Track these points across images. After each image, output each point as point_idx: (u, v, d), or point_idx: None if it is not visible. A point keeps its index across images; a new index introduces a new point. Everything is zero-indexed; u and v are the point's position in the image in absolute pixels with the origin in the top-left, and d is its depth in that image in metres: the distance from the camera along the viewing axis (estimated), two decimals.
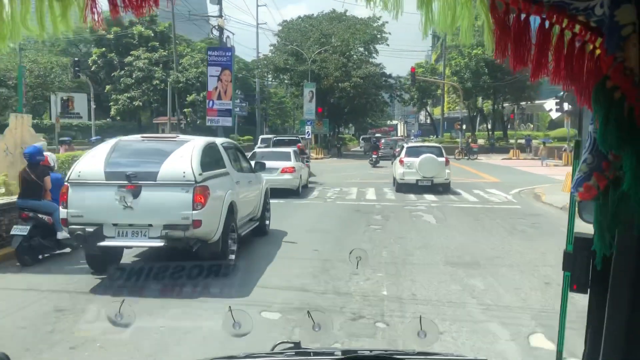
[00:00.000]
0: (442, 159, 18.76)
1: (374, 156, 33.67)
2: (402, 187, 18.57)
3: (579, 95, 1.13)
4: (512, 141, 52.64)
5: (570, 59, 1.08)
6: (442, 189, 18.63)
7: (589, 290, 1.30)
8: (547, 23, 1.07)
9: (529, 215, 13.57)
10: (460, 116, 46.63)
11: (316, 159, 42.67)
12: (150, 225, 7.03)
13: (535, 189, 19.18)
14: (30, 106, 52.79)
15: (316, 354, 1.85)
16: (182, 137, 9.07)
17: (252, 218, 9.97)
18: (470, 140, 44.65)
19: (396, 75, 50.17)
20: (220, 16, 28.62)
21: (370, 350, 1.87)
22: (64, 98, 41.62)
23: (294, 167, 17.24)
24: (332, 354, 1.89)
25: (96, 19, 1.09)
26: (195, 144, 8.06)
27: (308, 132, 42.88)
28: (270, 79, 53.61)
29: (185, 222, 6.94)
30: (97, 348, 4.94)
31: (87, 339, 5.15)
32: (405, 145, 22.40)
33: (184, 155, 7.54)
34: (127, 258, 8.33)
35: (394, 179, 19.92)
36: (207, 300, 6.36)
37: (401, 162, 18.92)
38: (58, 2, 1.08)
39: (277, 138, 31.95)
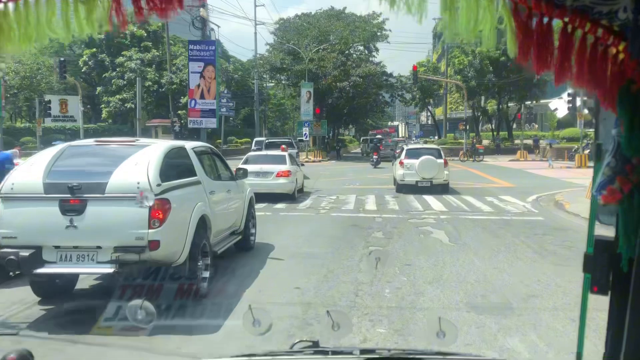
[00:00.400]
0: (441, 161, 19.03)
1: (374, 157, 33.75)
2: (403, 188, 18.87)
3: (602, 99, 1.10)
4: (517, 142, 50.75)
5: (594, 62, 1.06)
6: (441, 188, 18.77)
7: (609, 292, 1.30)
8: (569, 27, 1.05)
9: (556, 229, 11.58)
10: (464, 116, 44.63)
11: (314, 161, 40.74)
12: (99, 247, 5.93)
13: (555, 195, 17.20)
14: (12, 108, 51.39)
15: (334, 352, 1.84)
16: (143, 140, 7.73)
17: (234, 231, 8.90)
18: (475, 141, 42.63)
19: (397, 74, 48.16)
20: (203, 6, 26.81)
21: (389, 350, 1.90)
22: (46, 101, 39.41)
23: (289, 171, 16.55)
24: (350, 352, 1.86)
25: (121, 21, 1.10)
26: (157, 148, 6.87)
27: (306, 133, 41.06)
28: (267, 79, 51.51)
29: (140, 243, 5.87)
30: None
31: None
32: (405, 147, 22.40)
33: (139, 162, 6.34)
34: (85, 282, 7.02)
35: (395, 180, 20.15)
36: (162, 338, 5.15)
37: (401, 163, 19.18)
38: (83, 4, 1.08)
39: (269, 140, 31.05)
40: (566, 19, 1.04)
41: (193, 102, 16.08)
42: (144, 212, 5.94)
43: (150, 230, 5.90)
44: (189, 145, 8.17)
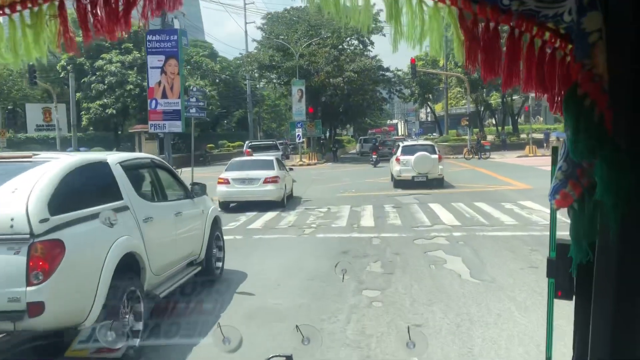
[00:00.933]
0: (435, 156, 19.78)
1: (374, 156, 34.00)
2: (400, 184, 19.77)
3: (551, 103, 1.11)
4: (523, 136, 48.05)
5: (541, 66, 1.07)
6: (436, 183, 19.47)
7: (574, 296, 1.31)
8: (516, 31, 1.06)
9: None
10: (467, 111, 41.89)
11: (309, 164, 38.03)
12: None
13: None
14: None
15: None
16: (44, 155, 5.55)
17: (192, 261, 7.28)
18: (480, 137, 39.89)
19: (394, 69, 45.40)
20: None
21: None
22: (9, 109, 36.72)
23: (277, 177, 15.48)
24: None
25: (69, 44, 1.11)
26: (53, 166, 5.01)
27: (299, 135, 38.37)
28: (256, 79, 48.79)
29: (15, 307, 4.25)
30: None
31: None
32: (401, 145, 22.91)
33: (20, 188, 4.65)
34: None
35: (392, 176, 20.91)
36: None
37: (397, 160, 19.99)
38: (30, 29, 1.08)
39: (252, 143, 29.50)
40: (512, 24, 1.03)
41: (153, 102, 13.50)
42: (19, 261, 4.26)
43: (29, 289, 4.26)
44: (115, 158, 6.09)
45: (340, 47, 42.99)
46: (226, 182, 15.43)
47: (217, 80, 71.38)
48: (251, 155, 18.13)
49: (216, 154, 53.24)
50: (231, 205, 15.64)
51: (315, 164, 38.91)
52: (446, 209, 14.09)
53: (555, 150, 1.28)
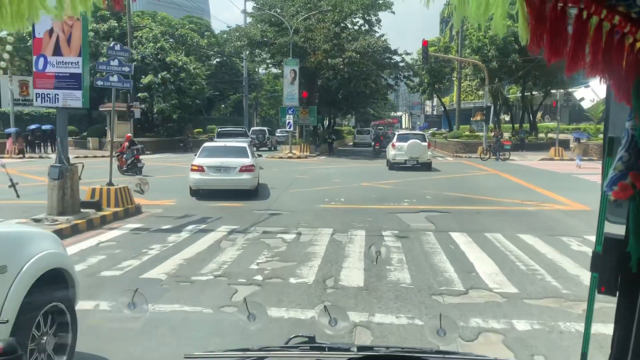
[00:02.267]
0: (425, 144, 23.74)
1: (376, 147, 35.39)
2: (394, 166, 23.84)
3: (616, 90, 1.07)
4: (542, 135, 42.80)
5: (609, 51, 1.02)
6: (425, 167, 23.10)
7: (617, 292, 1.27)
8: (584, 13, 1.01)
9: None
10: (484, 103, 36.57)
11: (299, 157, 32.84)
12: None
13: None
14: None
15: (331, 349, 1.77)
16: None
17: None
18: (499, 134, 34.59)
19: (403, 51, 39.94)
20: None
21: (387, 347, 1.85)
22: None
23: (253, 165, 15.09)
24: (347, 349, 1.78)
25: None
26: None
27: (289, 122, 33.17)
28: (247, 56, 43.41)
29: None
30: None
31: None
32: (396, 133, 27.36)
33: None
34: None
35: (388, 160, 24.83)
36: None
37: (393, 146, 24.01)
38: None
39: (222, 130, 27.78)
40: (581, 5, 1.00)
41: (41, 60, 8.58)
42: None
43: None
44: None
45: (343, 24, 37.56)
46: (200, 169, 14.80)
47: (211, 60, 66.08)
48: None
49: (201, 140, 48.06)
50: (201, 190, 15.01)
51: (306, 157, 33.72)
52: (479, 246, 8.97)
53: (611, 141, 1.25)
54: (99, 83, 11.96)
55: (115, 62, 11.63)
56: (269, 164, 27.95)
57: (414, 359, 1.68)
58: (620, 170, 1.09)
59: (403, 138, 24.35)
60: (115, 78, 11.70)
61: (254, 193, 15.13)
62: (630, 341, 1.19)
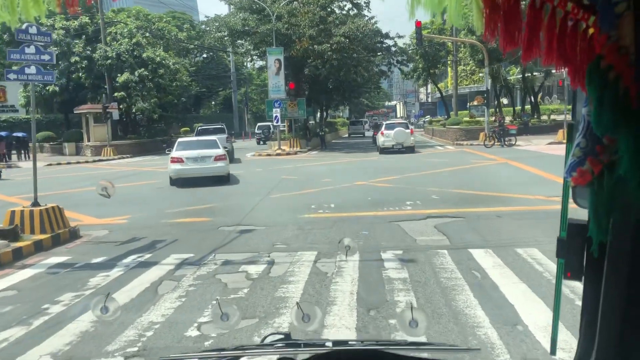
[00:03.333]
0: (408, 130, 28.47)
1: (374, 136, 34.99)
2: (384, 151, 28.06)
3: (572, 76, 1.07)
4: (544, 117, 40.42)
5: (563, 38, 1.03)
6: (409, 150, 27.57)
7: (583, 277, 1.29)
8: (537, 1, 1.02)
9: None
10: (485, 86, 34.10)
11: (288, 154, 30.37)
12: None
13: None
14: None
15: (307, 345, 1.75)
16: None
17: None
18: (502, 119, 32.09)
19: (395, 34, 37.26)
20: None
21: (362, 341, 1.88)
22: None
23: (225, 155, 17.43)
24: (322, 345, 1.75)
25: (70, 2, 1.04)
26: None
27: (276, 116, 30.65)
28: (227, 47, 40.76)
29: None
30: None
31: None
32: (384, 122, 32.46)
33: None
34: None
35: (378, 146, 29.44)
36: None
37: (382, 133, 28.53)
38: None
39: (201, 127, 30.66)
40: None
41: None
42: None
43: None
44: None
45: (329, 9, 34.94)
46: (180, 160, 16.69)
47: (195, 55, 63.35)
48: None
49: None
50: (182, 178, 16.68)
51: (296, 152, 31.24)
52: (514, 271, 6.56)
53: (571, 127, 1.27)
54: (11, 77, 9.39)
55: (32, 50, 9.08)
56: (254, 163, 25.49)
57: (387, 352, 1.67)
58: (578, 157, 1.08)
59: (390, 127, 28.93)
60: (32, 70, 9.16)
61: (227, 179, 17.23)
62: (597, 325, 1.18)
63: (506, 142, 28.98)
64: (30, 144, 39.96)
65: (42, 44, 9.33)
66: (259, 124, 50.99)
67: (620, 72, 0.97)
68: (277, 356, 1.72)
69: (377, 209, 11.37)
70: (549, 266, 6.68)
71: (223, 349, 1.83)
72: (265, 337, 1.96)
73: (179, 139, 19.82)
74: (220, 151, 17.17)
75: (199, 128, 30.39)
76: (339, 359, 1.64)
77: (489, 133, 30.43)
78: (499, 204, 11.54)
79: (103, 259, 8.06)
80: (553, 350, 1.57)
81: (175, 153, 17.05)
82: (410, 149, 27.60)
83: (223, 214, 11.55)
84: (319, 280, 6.51)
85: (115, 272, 7.23)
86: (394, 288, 6.07)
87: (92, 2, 38.46)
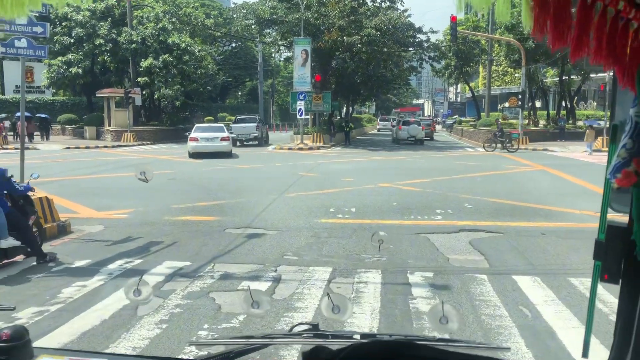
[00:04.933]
0: (420, 127, 35.37)
1: (392, 128, 41.11)
2: (400, 142, 35.38)
3: (621, 76, 1.05)
4: (580, 123, 38.51)
5: (613, 37, 1.01)
6: (418, 142, 34.65)
7: (620, 280, 1.27)
8: None
9: None
10: (522, 87, 32.41)
11: (311, 148, 29.27)
12: None
13: None
14: None
15: (334, 336, 1.73)
16: None
17: None
18: (499, 123, 30.66)
19: (429, 29, 35.65)
20: None
21: (390, 335, 1.85)
22: None
23: (228, 137, 24.32)
24: (350, 337, 1.73)
25: None
26: None
27: (300, 110, 29.57)
28: (255, 36, 39.69)
29: None
30: None
31: None
32: (401, 120, 39.11)
33: None
34: None
35: (394, 138, 37.75)
36: None
37: (400, 128, 35.84)
38: None
39: (239, 117, 34.46)
40: None
41: None
42: None
43: None
44: None
45: (361, 0, 33.61)
46: (196, 140, 23.46)
47: (222, 43, 62.51)
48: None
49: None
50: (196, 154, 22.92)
51: (319, 148, 30.09)
52: (570, 308, 5.36)
53: (615, 128, 1.24)
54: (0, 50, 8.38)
55: (23, 20, 8.08)
56: (274, 157, 24.46)
57: (415, 346, 1.62)
58: (623, 158, 1.08)
59: (406, 123, 36.16)
60: (23, 43, 8.15)
61: (229, 154, 23.68)
62: (633, 329, 1.20)
63: (508, 147, 27.60)
64: (53, 126, 39.63)
65: (37, 14, 8.34)
66: (195, 125, 42.94)
67: None
68: (305, 345, 1.66)
69: (403, 217, 10.17)
70: (614, 305, 5.42)
71: (251, 337, 1.85)
72: (294, 327, 1.98)
73: (196, 125, 26.37)
74: (225, 134, 24.08)
75: (238, 117, 34.96)
76: (370, 350, 1.56)
77: (490, 137, 29.25)
78: (542, 218, 10.24)
79: (86, 262, 7.03)
80: (585, 354, 1.42)
81: (193, 134, 23.78)
82: (420, 141, 34.80)
83: (233, 213, 10.47)
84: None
85: (95, 281, 6.19)
86: (423, 326, 4.88)
87: None
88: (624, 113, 1.14)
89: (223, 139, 23.50)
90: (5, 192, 6.82)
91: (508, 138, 28.19)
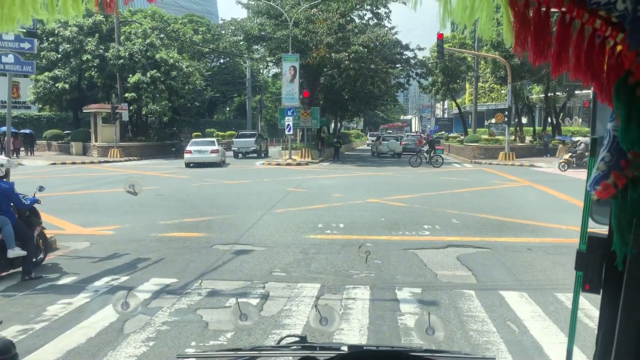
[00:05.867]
0: (398, 142, 39.33)
1: (375, 143, 42.59)
2: (379, 155, 38.60)
3: (599, 92, 1.09)
4: (574, 139, 38.92)
5: (591, 54, 1.05)
6: (396, 155, 37.45)
7: (601, 290, 1.29)
8: (567, 17, 1.04)
9: None
10: (508, 103, 32.75)
11: (299, 164, 29.29)
12: None
13: None
14: None
15: (322, 348, 1.76)
16: None
17: None
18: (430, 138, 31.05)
19: (416, 46, 36.06)
20: None
21: (377, 346, 1.90)
22: None
23: (218, 149, 27.96)
24: (338, 348, 1.77)
25: (108, 2, 1.11)
26: None
27: (288, 125, 29.63)
28: (243, 52, 39.85)
29: None
30: None
31: None
32: (382, 135, 44.62)
33: None
34: None
35: (373, 151, 40.67)
36: None
37: (380, 143, 39.58)
38: None
39: (241, 132, 38.71)
40: (563, 9, 1.03)
41: None
42: None
43: None
44: None
45: (349, 17, 33.95)
46: (190, 152, 27.59)
47: (210, 59, 62.59)
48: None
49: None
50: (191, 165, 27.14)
51: (307, 163, 30.13)
52: (556, 323, 5.41)
53: (594, 142, 1.28)
54: None
55: (10, 36, 8.05)
56: (262, 173, 24.44)
57: (403, 356, 1.67)
58: (602, 170, 1.11)
59: (386, 138, 40.70)
60: (10, 59, 8.13)
61: (220, 164, 27.70)
62: (614, 338, 1.20)
63: (433, 161, 28.03)
64: (38, 141, 39.28)
65: (24, 30, 8.33)
66: (192, 140, 46.95)
67: None
68: (293, 357, 1.68)
69: (391, 233, 10.19)
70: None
71: (239, 349, 1.84)
72: (282, 339, 1.98)
73: (192, 140, 31.17)
74: (215, 147, 27.86)
75: (240, 133, 39.35)
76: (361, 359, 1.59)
77: (417, 151, 29.78)
78: (528, 233, 10.31)
79: (72, 279, 6.96)
80: None
81: (188, 147, 28.20)
82: (398, 155, 37.58)
83: (221, 230, 10.43)
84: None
85: (81, 299, 6.12)
86: (412, 342, 4.88)
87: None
88: (603, 127, 1.16)
89: (212, 152, 27.31)
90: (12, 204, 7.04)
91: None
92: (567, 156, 26.99)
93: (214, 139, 30.91)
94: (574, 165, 26.00)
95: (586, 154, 27.71)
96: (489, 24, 1.04)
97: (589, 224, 1.38)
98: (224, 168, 27.06)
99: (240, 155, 35.30)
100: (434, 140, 33.67)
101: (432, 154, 28.94)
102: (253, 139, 36.48)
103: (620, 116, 1.03)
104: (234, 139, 37.74)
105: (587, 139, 30.03)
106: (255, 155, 35.74)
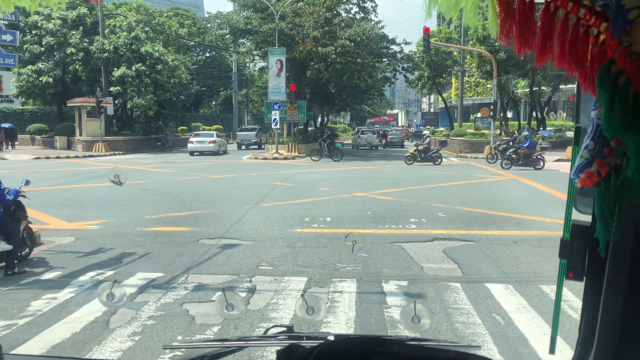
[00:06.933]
0: (375, 136, 43.99)
1: (384, 141, 46.84)
2: (359, 148, 42.31)
3: (582, 81, 1.10)
4: (557, 134, 39.33)
5: (575, 43, 1.06)
6: (375, 149, 41.93)
7: (584, 278, 1.32)
8: (551, 6, 1.05)
9: None
10: (493, 97, 32.93)
11: (285, 158, 29.25)
12: None
13: None
14: None
15: (309, 337, 1.77)
16: None
17: None
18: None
19: (402, 40, 36.10)
20: None
21: (363, 335, 2.01)
22: None
23: (215, 140, 33.28)
24: (324, 338, 1.75)
25: None
26: None
27: (275, 119, 29.56)
28: (229, 46, 39.62)
29: None
30: None
31: None
32: (361, 129, 48.19)
33: None
34: None
35: (353, 144, 44.46)
36: None
37: (359, 136, 43.91)
38: None
39: (244, 127, 43.67)
40: None
41: None
42: None
43: None
44: None
45: (335, 11, 33.88)
46: (192, 142, 33.27)
47: (196, 53, 62.18)
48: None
49: (181, 138, 44.20)
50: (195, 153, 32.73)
51: (294, 157, 30.10)
52: (541, 314, 5.46)
53: (578, 130, 1.30)
54: None
55: None
56: (248, 167, 24.38)
57: (387, 342, 1.52)
58: (586, 158, 1.11)
59: (364, 132, 44.98)
60: None
61: (217, 153, 32.93)
62: (597, 324, 1.20)
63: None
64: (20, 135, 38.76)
65: (6, 22, 8.18)
66: (193, 133, 47.89)
67: (631, 76, 0.99)
68: (279, 347, 1.63)
69: (377, 226, 10.22)
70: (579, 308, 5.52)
71: (226, 339, 1.84)
72: (268, 329, 1.99)
73: (195, 132, 37.58)
74: (213, 139, 33.40)
75: (242, 127, 46.08)
76: (344, 348, 1.54)
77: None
78: (513, 226, 10.40)
79: (56, 274, 6.90)
80: (552, 350, 1.50)
81: (191, 138, 33.90)
82: (376, 147, 42.49)
83: (207, 224, 10.39)
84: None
85: (65, 294, 6.07)
86: (399, 335, 4.91)
87: None
88: (587, 117, 1.17)
89: (210, 142, 32.85)
90: None
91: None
92: (412, 150, 26.21)
93: (214, 132, 36.05)
94: (419, 160, 25.29)
95: (432, 148, 26.45)
96: (474, 12, 1.04)
97: (573, 213, 1.38)
98: (213, 161, 26.89)
99: (243, 146, 40.78)
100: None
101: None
102: (254, 133, 41.78)
103: (604, 104, 1.03)
104: (237, 132, 45.06)
105: (427, 132, 29.68)
106: (256, 147, 40.58)
